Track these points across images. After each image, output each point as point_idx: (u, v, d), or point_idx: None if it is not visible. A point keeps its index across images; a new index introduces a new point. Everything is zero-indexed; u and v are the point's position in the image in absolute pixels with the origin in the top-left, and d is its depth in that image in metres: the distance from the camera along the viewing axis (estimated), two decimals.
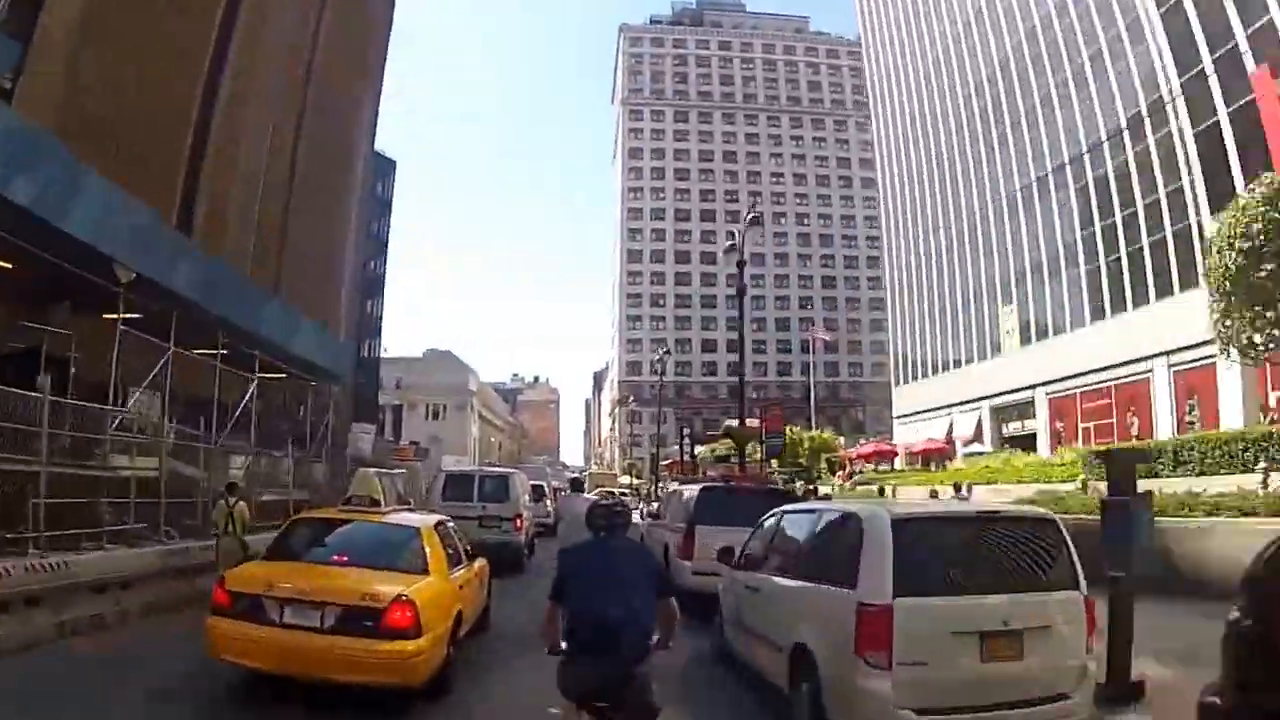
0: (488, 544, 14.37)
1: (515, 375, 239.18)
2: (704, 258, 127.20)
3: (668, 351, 41.74)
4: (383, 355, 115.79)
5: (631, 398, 69.41)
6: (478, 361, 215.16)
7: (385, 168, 73.38)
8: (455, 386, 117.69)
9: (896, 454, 49.93)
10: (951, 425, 48.17)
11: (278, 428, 20.03)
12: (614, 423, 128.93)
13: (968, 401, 47.15)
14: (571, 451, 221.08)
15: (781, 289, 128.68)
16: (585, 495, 17.86)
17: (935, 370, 54.40)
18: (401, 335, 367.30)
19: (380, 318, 74.98)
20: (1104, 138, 36.50)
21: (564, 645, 4.34)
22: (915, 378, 58.05)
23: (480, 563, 10.16)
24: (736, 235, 21.52)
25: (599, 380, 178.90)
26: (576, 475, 33.02)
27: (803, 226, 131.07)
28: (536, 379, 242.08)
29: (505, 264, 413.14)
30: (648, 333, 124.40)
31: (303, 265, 30.22)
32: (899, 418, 58.78)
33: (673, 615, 4.59)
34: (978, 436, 45.39)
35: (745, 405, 21.70)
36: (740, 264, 20.07)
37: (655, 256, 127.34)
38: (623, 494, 56.33)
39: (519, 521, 17.71)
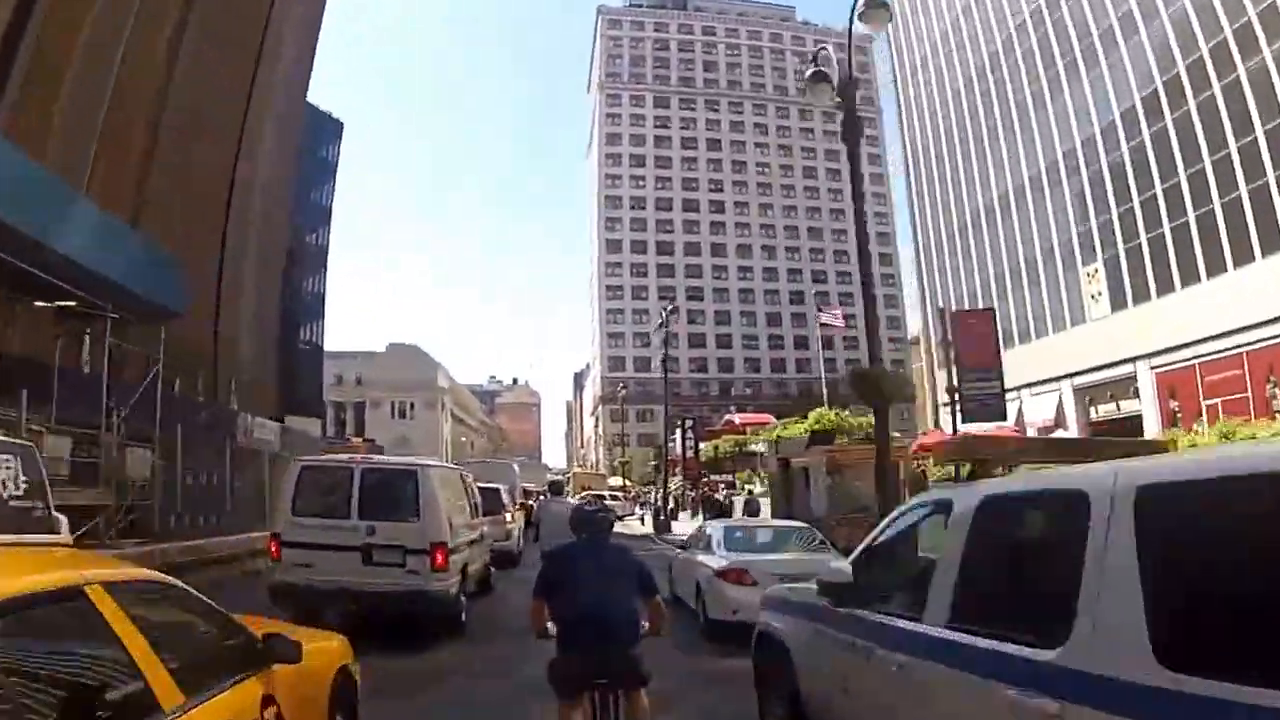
0: (383, 596, 9.43)
1: (493, 377, 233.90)
2: (688, 248, 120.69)
3: (674, 309, 33.74)
4: (347, 349, 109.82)
5: (623, 388, 62.32)
6: (456, 364, 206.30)
7: (329, 128, 65.48)
8: (423, 382, 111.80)
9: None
10: (1020, 410, 41.05)
11: (84, 391, 12.37)
12: (597, 422, 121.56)
13: (1041, 382, 40.01)
14: (554, 454, 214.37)
15: (771, 282, 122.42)
16: (566, 499, 14.51)
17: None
18: (372, 336, 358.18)
19: (323, 296, 65.78)
20: (1206, 52, 29.41)
21: (553, 635, 4.72)
22: None
23: (322, 647, 4.69)
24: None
25: (579, 381, 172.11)
26: (555, 478, 26.53)
27: (790, 219, 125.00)
28: (516, 380, 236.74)
29: (484, 266, 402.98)
30: (629, 326, 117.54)
31: (178, 203, 22.58)
32: (947, 404, 51.11)
33: (663, 612, 5.01)
34: (1059, 421, 38.39)
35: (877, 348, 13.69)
36: (849, 86, 12.33)
37: (636, 247, 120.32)
38: (612, 497, 47.94)
39: (439, 556, 9.83)
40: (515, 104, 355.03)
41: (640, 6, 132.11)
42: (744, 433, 67.47)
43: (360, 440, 76.18)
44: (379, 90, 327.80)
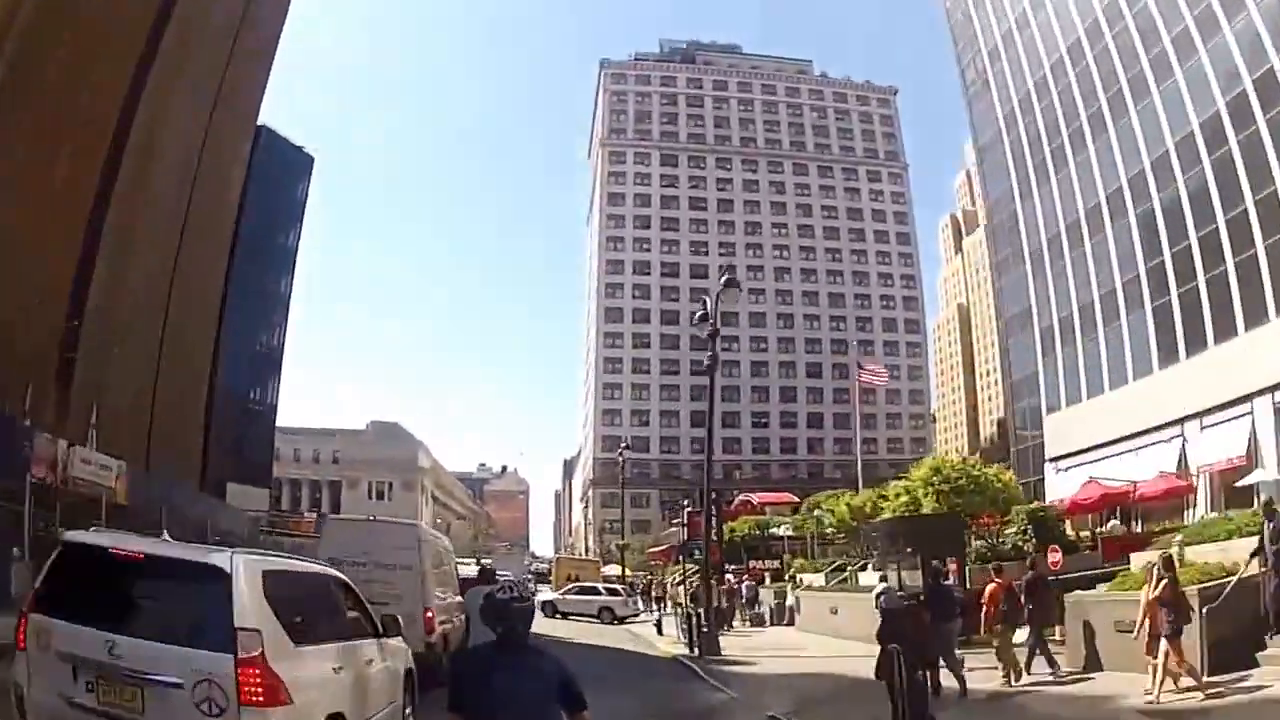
0: None
1: (482, 465, 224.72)
2: (695, 318, 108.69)
3: (732, 279, 20.85)
4: (323, 426, 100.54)
5: (625, 446, 50.79)
6: (446, 451, 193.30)
7: (296, 160, 56.80)
8: (402, 461, 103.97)
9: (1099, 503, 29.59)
10: (1184, 450, 29.53)
11: None
12: (587, 507, 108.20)
13: (1218, 407, 28.26)
14: (542, 543, 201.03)
15: (785, 354, 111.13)
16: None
17: (1112, 382, 36.58)
18: (357, 420, 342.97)
19: (281, 349, 56.38)
20: None
21: None
22: (1078, 399, 39.70)
23: None
24: None
25: (570, 468, 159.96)
26: (487, 562, 21.16)
27: (809, 283, 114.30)
28: (505, 468, 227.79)
29: (478, 353, 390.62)
30: (628, 403, 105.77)
31: None
32: (1056, 460, 39.76)
33: None
34: (1252, 458, 26.06)
35: None
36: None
37: (638, 316, 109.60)
38: (609, 590, 38.31)
39: None
40: (511, 181, 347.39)
41: (646, 61, 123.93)
42: (763, 513, 58.33)
43: (304, 517, 64.41)
44: (364, 165, 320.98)
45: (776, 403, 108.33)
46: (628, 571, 58.98)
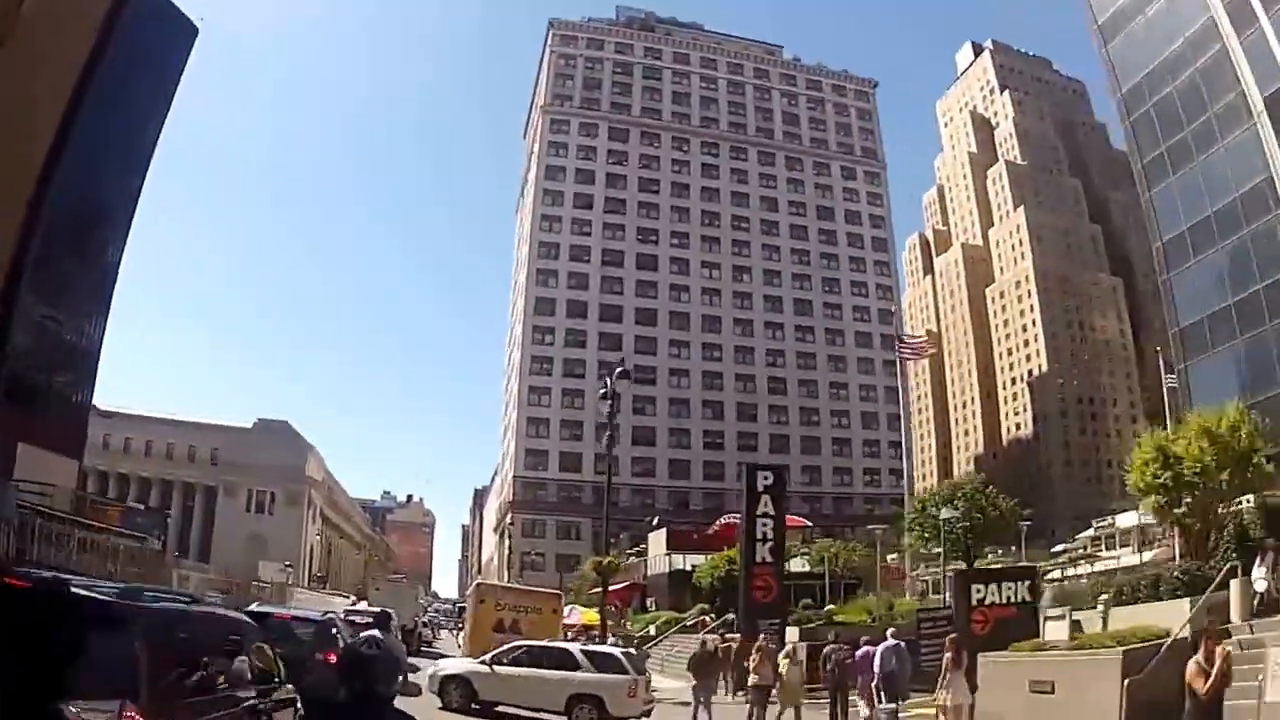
0: None
1: (387, 493, 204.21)
2: (640, 315, 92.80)
3: None
4: (213, 422, 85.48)
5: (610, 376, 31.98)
6: (347, 477, 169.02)
7: (170, 25, 40.74)
8: (289, 470, 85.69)
9: None
10: None
11: None
12: (504, 538, 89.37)
13: None
14: (446, 584, 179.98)
15: (744, 365, 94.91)
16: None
17: None
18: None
19: (115, 269, 39.81)
20: None
21: None
22: None
23: None
24: None
25: (481, 498, 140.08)
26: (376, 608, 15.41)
27: (772, 286, 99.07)
28: (410, 497, 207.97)
29: (386, 380, 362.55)
30: (557, 411, 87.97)
31: None
32: None
33: None
34: None
35: None
36: None
37: (573, 309, 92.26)
38: (594, 658, 16.72)
39: None
40: (434, 167, 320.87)
41: (600, 24, 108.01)
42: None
43: (116, 510, 45.95)
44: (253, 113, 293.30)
45: (733, 421, 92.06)
46: (609, 622, 32.21)
